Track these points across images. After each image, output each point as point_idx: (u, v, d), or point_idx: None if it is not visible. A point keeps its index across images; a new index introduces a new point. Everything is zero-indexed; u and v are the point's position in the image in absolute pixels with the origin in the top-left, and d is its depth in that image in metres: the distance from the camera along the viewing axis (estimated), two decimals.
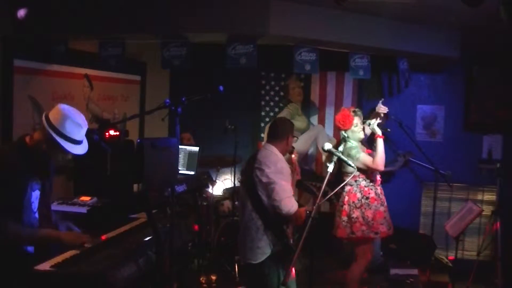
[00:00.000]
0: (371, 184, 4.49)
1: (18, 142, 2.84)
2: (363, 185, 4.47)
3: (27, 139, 2.81)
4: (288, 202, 3.42)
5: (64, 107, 2.79)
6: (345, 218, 4.48)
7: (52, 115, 2.76)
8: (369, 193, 4.44)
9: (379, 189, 4.55)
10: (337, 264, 5.83)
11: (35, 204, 2.83)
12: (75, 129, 2.76)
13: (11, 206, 2.68)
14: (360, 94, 6.57)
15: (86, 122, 2.86)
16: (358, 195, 4.45)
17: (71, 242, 2.81)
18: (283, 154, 3.69)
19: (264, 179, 3.48)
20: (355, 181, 4.48)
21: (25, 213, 2.75)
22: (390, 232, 4.55)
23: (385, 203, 4.55)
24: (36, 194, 2.83)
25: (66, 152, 2.77)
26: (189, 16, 4.56)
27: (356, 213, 4.43)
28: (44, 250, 2.83)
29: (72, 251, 2.74)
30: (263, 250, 3.49)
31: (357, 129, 4.51)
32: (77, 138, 2.79)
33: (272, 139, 3.70)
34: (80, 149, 2.82)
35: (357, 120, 4.50)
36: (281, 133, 3.68)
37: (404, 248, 5.90)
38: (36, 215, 2.86)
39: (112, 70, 5.76)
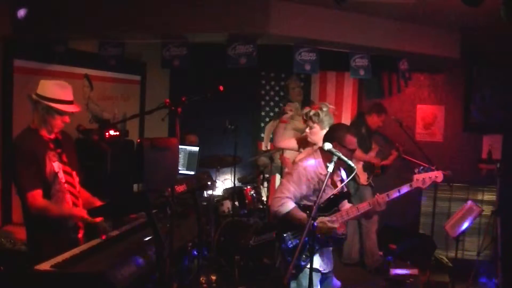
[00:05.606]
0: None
1: (24, 129, 3.18)
2: None
3: (31, 125, 3.15)
4: (277, 201, 3.39)
5: (46, 80, 3.17)
6: None
7: (40, 90, 3.11)
8: None
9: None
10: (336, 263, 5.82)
11: (61, 174, 3.15)
12: (62, 92, 3.13)
13: (39, 180, 3.01)
14: (360, 94, 6.58)
15: (68, 84, 3.20)
16: None
17: (94, 222, 3.05)
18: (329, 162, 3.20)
19: None
20: None
21: (54, 183, 3.10)
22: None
23: None
24: (57, 165, 3.14)
25: (62, 113, 3.11)
26: (189, 16, 4.56)
27: None
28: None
29: (72, 251, 2.75)
30: None
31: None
32: (68, 98, 3.15)
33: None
34: (73, 108, 3.17)
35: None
36: (325, 139, 3.53)
37: (404, 248, 5.90)
38: (65, 185, 3.17)
39: (112, 70, 5.76)
